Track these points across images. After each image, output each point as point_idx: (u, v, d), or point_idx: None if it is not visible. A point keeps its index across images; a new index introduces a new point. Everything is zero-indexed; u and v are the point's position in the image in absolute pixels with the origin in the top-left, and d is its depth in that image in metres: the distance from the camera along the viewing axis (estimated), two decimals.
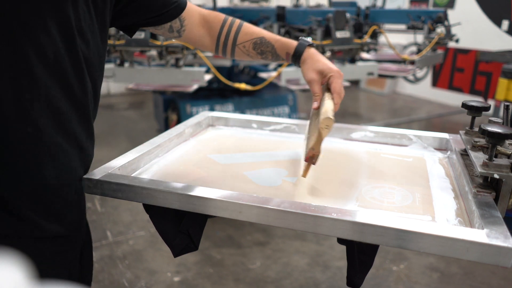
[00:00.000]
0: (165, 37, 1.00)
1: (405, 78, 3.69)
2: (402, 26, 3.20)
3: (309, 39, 0.97)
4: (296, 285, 2.09)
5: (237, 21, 0.97)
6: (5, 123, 0.64)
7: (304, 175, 0.87)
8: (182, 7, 0.90)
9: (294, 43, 0.96)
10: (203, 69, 2.42)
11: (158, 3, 0.86)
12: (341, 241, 0.77)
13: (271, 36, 0.97)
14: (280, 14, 2.53)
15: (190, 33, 0.95)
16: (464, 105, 0.94)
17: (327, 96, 0.91)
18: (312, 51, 0.95)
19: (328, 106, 0.85)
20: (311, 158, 0.84)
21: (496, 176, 0.72)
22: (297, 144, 1.15)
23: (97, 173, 0.81)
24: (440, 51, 3.20)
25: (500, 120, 0.85)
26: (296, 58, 0.95)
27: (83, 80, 0.72)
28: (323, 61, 0.93)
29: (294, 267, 2.22)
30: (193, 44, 0.99)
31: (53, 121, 0.68)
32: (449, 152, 1.07)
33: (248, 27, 0.97)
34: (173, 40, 2.17)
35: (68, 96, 0.70)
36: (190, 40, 0.97)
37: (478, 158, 0.78)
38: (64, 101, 0.70)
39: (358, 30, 2.75)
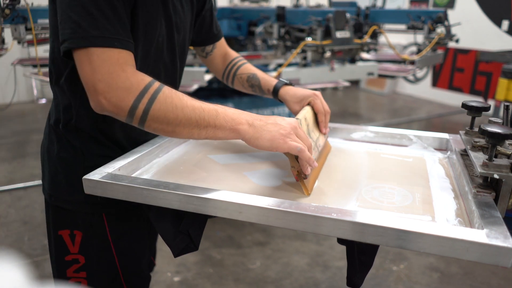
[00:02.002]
0: (196, 53, 1.25)
1: (405, 78, 3.69)
2: (402, 26, 3.20)
3: (286, 80, 1.13)
4: (296, 285, 2.09)
5: (243, 60, 1.21)
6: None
7: (306, 193, 0.83)
8: (220, 37, 1.20)
9: (274, 81, 1.13)
10: (203, 69, 2.42)
11: (211, 28, 1.15)
12: (341, 241, 0.77)
13: (261, 74, 1.16)
14: (280, 14, 2.53)
15: (213, 58, 1.21)
16: (464, 105, 0.94)
17: (306, 112, 1.00)
18: (288, 87, 1.10)
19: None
20: (299, 175, 0.82)
21: (496, 176, 0.72)
22: None
23: (98, 173, 0.81)
24: (440, 51, 3.20)
25: (500, 120, 0.85)
26: (275, 94, 1.12)
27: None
28: (300, 91, 1.07)
29: (294, 267, 2.22)
30: (210, 66, 1.23)
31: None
32: (449, 152, 1.07)
33: (248, 65, 1.19)
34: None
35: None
36: (210, 63, 1.22)
37: (478, 158, 0.78)
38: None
39: (358, 30, 2.75)
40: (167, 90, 0.79)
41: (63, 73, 0.90)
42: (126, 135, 0.97)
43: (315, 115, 1.06)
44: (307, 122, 0.98)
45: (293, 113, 1.07)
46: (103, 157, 0.92)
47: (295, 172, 0.82)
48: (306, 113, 1.00)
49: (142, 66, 0.90)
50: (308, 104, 1.06)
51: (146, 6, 0.86)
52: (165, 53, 0.97)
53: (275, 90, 1.11)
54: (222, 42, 1.21)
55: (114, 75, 0.75)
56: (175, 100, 0.78)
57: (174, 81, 1.04)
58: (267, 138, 0.79)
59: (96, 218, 0.95)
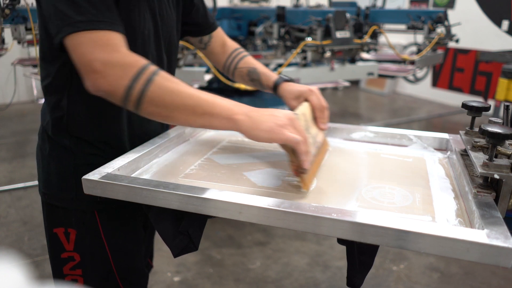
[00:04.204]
0: (195, 46, 1.23)
1: (405, 78, 3.69)
2: (402, 26, 3.19)
3: (286, 76, 1.12)
4: (296, 285, 2.09)
5: (244, 52, 1.19)
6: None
7: (305, 188, 0.83)
8: (216, 26, 1.19)
9: (274, 77, 1.12)
10: (203, 69, 2.42)
11: (206, 18, 1.15)
12: (341, 241, 0.77)
13: (262, 68, 1.15)
14: (280, 14, 2.52)
15: (212, 49, 1.19)
16: (464, 106, 0.93)
17: (304, 108, 0.99)
18: (287, 83, 1.10)
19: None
20: (297, 170, 0.82)
21: (496, 176, 0.72)
22: None
23: (97, 173, 0.81)
24: (440, 51, 3.19)
25: (500, 120, 0.85)
26: (274, 89, 1.12)
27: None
28: (296, 88, 1.06)
29: (294, 267, 2.22)
30: (210, 58, 1.23)
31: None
32: (449, 153, 1.07)
33: (249, 58, 1.18)
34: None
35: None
36: (209, 54, 1.21)
37: (478, 158, 0.78)
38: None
39: (358, 30, 2.75)
40: (163, 73, 0.79)
41: (52, 71, 0.91)
42: (116, 136, 0.97)
43: (313, 111, 1.05)
44: (306, 118, 0.97)
45: (291, 110, 1.06)
46: (93, 156, 0.94)
47: (294, 166, 0.81)
48: (304, 109, 0.99)
49: None
50: (306, 100, 1.05)
51: None
52: (152, 47, 0.97)
53: (275, 86, 1.11)
54: (219, 31, 1.20)
55: (108, 54, 0.75)
56: (172, 84, 0.78)
57: None
58: (264, 129, 0.78)
59: (88, 215, 0.96)
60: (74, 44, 0.76)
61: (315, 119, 1.04)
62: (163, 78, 0.78)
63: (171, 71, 1.08)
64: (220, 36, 1.20)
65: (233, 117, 0.79)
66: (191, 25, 1.13)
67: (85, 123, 0.92)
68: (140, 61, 0.78)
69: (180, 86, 0.79)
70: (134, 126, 1.00)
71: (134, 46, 0.89)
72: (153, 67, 0.79)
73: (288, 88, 1.08)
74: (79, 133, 0.93)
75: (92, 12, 0.76)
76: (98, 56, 0.74)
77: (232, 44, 1.22)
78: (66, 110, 0.91)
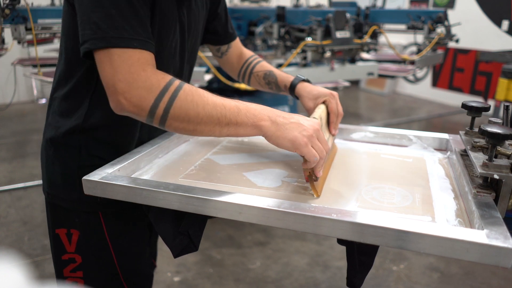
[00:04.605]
0: (212, 54, 1.25)
1: (405, 78, 3.69)
2: (402, 26, 3.19)
3: (304, 76, 1.13)
4: (296, 285, 2.09)
5: (259, 59, 1.21)
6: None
7: (316, 194, 0.82)
8: (235, 36, 1.20)
9: (291, 78, 1.12)
10: (203, 69, 2.42)
11: (226, 28, 1.16)
12: (341, 241, 0.77)
13: (278, 71, 1.17)
14: (280, 14, 2.53)
15: (228, 58, 1.21)
16: (464, 106, 0.93)
17: (322, 111, 1.00)
18: (306, 84, 1.10)
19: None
20: (310, 177, 0.82)
21: (496, 176, 0.72)
22: None
23: (97, 174, 0.81)
24: (440, 51, 3.19)
25: (500, 121, 0.85)
26: (291, 90, 1.12)
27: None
28: (317, 89, 1.07)
29: (294, 267, 2.22)
30: (225, 66, 1.24)
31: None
32: (449, 153, 1.07)
33: (264, 63, 1.20)
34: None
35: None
36: (225, 63, 1.23)
37: (478, 158, 0.78)
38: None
39: (358, 30, 2.75)
40: (187, 87, 0.79)
41: (76, 74, 0.90)
42: (127, 140, 0.97)
43: (328, 115, 1.05)
44: (322, 121, 0.97)
45: (306, 109, 1.07)
46: (98, 158, 0.93)
47: (307, 173, 0.81)
48: (321, 112, 0.99)
49: None
50: (323, 102, 1.05)
51: (162, 9, 0.86)
52: (177, 58, 0.97)
53: (292, 86, 1.11)
54: (237, 42, 1.21)
55: (135, 75, 0.74)
56: (195, 97, 0.78)
57: None
58: (288, 138, 0.78)
59: (93, 216, 0.95)
60: (103, 59, 0.75)
61: (328, 123, 1.05)
62: (187, 92, 0.78)
63: (190, 78, 1.10)
64: (238, 47, 1.22)
65: (259, 124, 0.79)
66: (210, 33, 1.15)
67: (100, 126, 0.92)
68: (164, 78, 0.77)
69: (204, 98, 0.78)
70: (143, 132, 1.00)
71: (160, 58, 0.89)
72: (177, 82, 0.78)
73: (308, 88, 1.08)
74: (91, 134, 0.92)
75: (126, 28, 0.75)
76: (124, 76, 0.74)
77: (248, 53, 1.23)
78: (85, 113, 0.91)
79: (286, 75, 1.15)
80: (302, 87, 1.10)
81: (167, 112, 0.76)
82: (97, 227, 0.96)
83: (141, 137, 1.00)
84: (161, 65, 0.89)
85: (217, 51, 1.20)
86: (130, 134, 0.96)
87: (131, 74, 0.74)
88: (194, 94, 0.78)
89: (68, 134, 0.92)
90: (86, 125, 0.91)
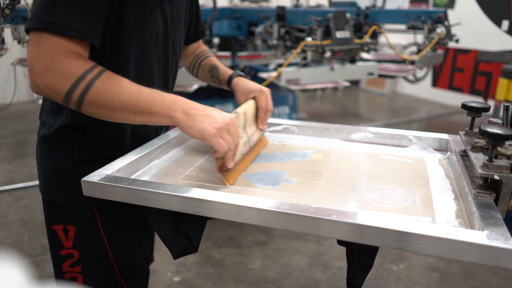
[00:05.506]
0: None
1: (405, 78, 3.68)
2: (402, 26, 3.19)
3: (241, 72, 1.18)
4: (296, 285, 2.09)
5: (210, 53, 1.27)
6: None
7: (227, 183, 0.88)
8: (204, 35, 1.27)
9: (230, 72, 1.17)
10: None
11: (200, 23, 1.22)
12: (341, 242, 0.77)
13: (222, 66, 1.21)
14: (280, 14, 2.52)
15: (186, 51, 1.27)
16: (463, 106, 0.93)
17: (248, 106, 1.03)
18: (241, 79, 1.14)
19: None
20: (221, 167, 0.86)
21: (496, 177, 0.72)
22: (297, 145, 1.15)
23: (97, 175, 0.81)
24: (440, 51, 3.19)
25: (499, 121, 0.85)
26: (228, 83, 1.16)
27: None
28: (249, 85, 1.11)
29: (294, 267, 2.22)
30: (181, 58, 1.26)
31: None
32: (449, 153, 1.07)
33: (212, 58, 1.24)
34: None
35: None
36: (182, 56, 1.25)
37: (478, 159, 0.78)
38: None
39: (358, 30, 2.75)
40: (107, 76, 0.80)
41: None
42: (120, 136, 0.98)
43: (257, 110, 1.09)
44: (246, 116, 1.01)
45: (238, 104, 1.10)
46: (92, 154, 0.95)
47: (219, 164, 0.86)
48: (247, 107, 1.03)
49: (137, 61, 0.92)
50: (254, 98, 1.09)
51: None
52: (160, 49, 0.98)
53: (229, 80, 1.16)
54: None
55: (56, 59, 0.76)
56: (112, 86, 0.80)
57: (166, 78, 1.04)
58: (198, 129, 0.82)
59: (88, 211, 0.96)
60: (33, 40, 0.77)
61: (257, 118, 1.09)
62: (105, 81, 0.79)
63: (176, 73, 1.11)
64: (198, 43, 1.28)
65: (172, 114, 0.82)
66: (190, 31, 1.18)
67: (88, 124, 0.93)
68: (84, 66, 0.79)
69: (121, 87, 0.80)
70: (139, 126, 1.00)
71: (140, 46, 0.90)
72: (97, 70, 0.80)
73: (241, 83, 1.13)
74: (83, 131, 0.94)
75: (68, 16, 0.76)
76: (45, 60, 0.76)
77: (202, 48, 1.29)
78: (73, 110, 0.91)
79: (227, 70, 1.19)
80: (237, 82, 1.13)
81: (83, 98, 0.78)
82: (92, 222, 0.97)
83: (136, 131, 1.01)
84: (143, 55, 0.91)
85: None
86: (121, 130, 0.97)
87: (52, 59, 0.76)
88: (111, 83, 0.80)
89: (59, 132, 0.94)
90: (75, 122, 0.92)
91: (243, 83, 1.12)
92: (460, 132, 0.97)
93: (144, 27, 0.90)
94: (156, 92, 0.83)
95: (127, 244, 1.03)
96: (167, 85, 1.05)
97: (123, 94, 0.80)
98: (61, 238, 0.98)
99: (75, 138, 0.94)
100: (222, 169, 0.87)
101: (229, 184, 0.88)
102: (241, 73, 1.16)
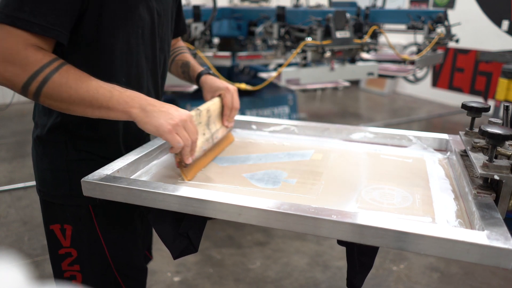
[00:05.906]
0: None
1: (405, 78, 3.68)
2: (402, 26, 3.19)
3: (209, 70, 1.19)
4: (296, 285, 2.09)
5: (185, 50, 1.27)
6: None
7: (186, 178, 0.89)
8: (185, 32, 1.26)
9: (199, 70, 1.19)
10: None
11: (182, 19, 1.21)
12: (341, 242, 0.77)
13: (194, 63, 1.22)
14: (280, 14, 2.52)
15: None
16: (463, 106, 0.93)
17: (212, 104, 1.06)
18: (209, 76, 1.16)
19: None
20: (180, 163, 0.87)
21: (496, 177, 0.72)
22: (297, 145, 1.15)
23: (96, 175, 0.81)
24: (440, 51, 3.19)
25: (499, 121, 0.85)
26: (197, 80, 1.17)
27: None
28: (216, 83, 1.13)
29: (294, 267, 2.22)
30: None
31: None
32: (449, 153, 1.07)
33: (186, 54, 1.25)
34: None
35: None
36: None
37: (478, 159, 0.78)
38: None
39: (358, 30, 2.74)
40: (65, 70, 0.81)
41: None
42: (112, 133, 0.98)
43: (223, 108, 1.10)
44: (210, 113, 1.02)
45: (205, 101, 1.11)
46: (86, 152, 0.95)
47: (177, 159, 0.87)
48: (211, 104, 1.04)
49: (124, 60, 0.91)
50: (220, 96, 1.10)
51: None
52: (148, 46, 0.98)
53: (198, 77, 1.17)
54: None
55: (14, 51, 0.77)
56: (70, 80, 0.80)
57: (155, 75, 1.04)
58: (154, 125, 0.83)
59: (84, 210, 0.96)
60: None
61: (223, 116, 1.10)
62: (63, 75, 0.80)
63: (165, 70, 1.11)
64: (177, 39, 1.28)
65: (128, 110, 0.83)
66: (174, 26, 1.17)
67: (78, 122, 0.93)
68: (43, 59, 0.79)
69: (79, 81, 0.81)
70: (131, 124, 1.00)
71: (127, 43, 0.90)
72: (56, 64, 0.80)
73: (209, 81, 1.14)
74: (75, 129, 0.94)
75: (34, 13, 0.76)
76: (3, 51, 0.76)
77: (179, 44, 1.29)
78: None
79: (198, 67, 1.20)
80: (205, 80, 1.15)
81: (40, 90, 0.79)
82: (88, 221, 0.97)
83: (128, 129, 1.00)
84: (130, 52, 0.91)
85: None
86: (113, 128, 0.97)
87: (11, 51, 0.77)
88: (69, 77, 0.80)
89: (52, 131, 0.94)
90: (66, 121, 0.93)
91: (211, 81, 1.14)
92: (460, 132, 0.97)
93: (128, 23, 0.90)
94: (115, 88, 0.84)
95: (124, 243, 1.03)
96: (156, 83, 1.05)
97: (80, 88, 0.81)
98: (58, 237, 0.98)
99: (68, 137, 0.94)
100: (181, 165, 0.88)
101: (187, 179, 0.90)
102: (210, 71, 1.18)
